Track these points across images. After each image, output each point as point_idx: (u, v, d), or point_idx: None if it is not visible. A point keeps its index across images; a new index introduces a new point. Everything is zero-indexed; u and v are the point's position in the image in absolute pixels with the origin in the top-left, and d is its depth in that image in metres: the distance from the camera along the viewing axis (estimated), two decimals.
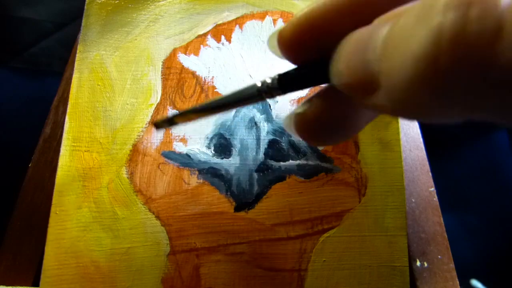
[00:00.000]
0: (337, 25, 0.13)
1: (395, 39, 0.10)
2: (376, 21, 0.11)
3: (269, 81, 0.14)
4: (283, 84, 0.14)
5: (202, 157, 0.27)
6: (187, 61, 0.29)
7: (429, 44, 0.09)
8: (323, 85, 0.15)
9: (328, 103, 0.14)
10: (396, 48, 0.10)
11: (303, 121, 0.15)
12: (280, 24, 0.30)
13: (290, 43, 0.14)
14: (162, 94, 0.28)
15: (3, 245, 0.27)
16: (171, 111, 0.28)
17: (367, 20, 0.12)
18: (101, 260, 0.25)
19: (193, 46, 0.29)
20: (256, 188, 0.26)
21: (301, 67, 0.15)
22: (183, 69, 0.29)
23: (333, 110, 0.14)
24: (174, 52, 0.29)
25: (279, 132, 0.28)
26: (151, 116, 0.27)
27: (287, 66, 0.15)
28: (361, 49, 0.11)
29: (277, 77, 0.14)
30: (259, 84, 0.15)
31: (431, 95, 0.09)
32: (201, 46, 0.29)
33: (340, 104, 0.14)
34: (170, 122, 0.19)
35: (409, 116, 0.11)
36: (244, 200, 0.26)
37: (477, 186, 0.59)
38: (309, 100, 0.15)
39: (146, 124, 0.27)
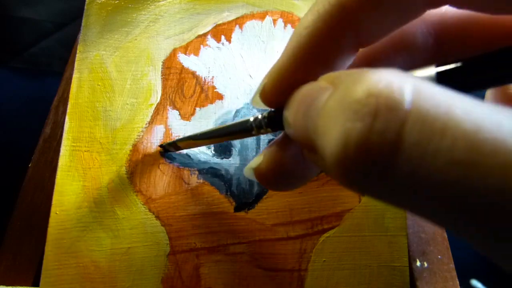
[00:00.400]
0: (301, 78, 0.14)
1: (323, 118, 0.11)
2: (321, 82, 0.13)
3: (260, 117, 0.16)
4: (272, 123, 0.16)
5: (202, 157, 0.27)
6: (187, 61, 0.29)
7: (339, 143, 0.10)
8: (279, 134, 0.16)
9: (279, 156, 0.16)
10: (323, 127, 0.11)
11: (258, 173, 0.16)
12: (280, 24, 0.30)
13: (271, 100, 0.16)
14: (162, 94, 0.28)
15: (3, 245, 0.27)
16: (171, 111, 0.28)
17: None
18: (101, 260, 0.25)
19: (193, 46, 0.29)
20: (256, 188, 0.27)
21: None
22: (183, 69, 0.29)
23: (284, 163, 0.16)
24: (174, 52, 0.29)
25: (279, 132, 0.27)
26: (151, 116, 0.28)
27: None
28: (304, 106, 0.12)
29: (266, 115, 0.16)
30: (251, 119, 0.16)
31: (346, 182, 0.10)
32: (201, 46, 0.29)
33: (292, 155, 0.15)
34: (175, 146, 0.22)
35: (343, 185, 0.12)
36: (244, 200, 0.26)
37: None
38: (263, 153, 0.16)
39: (146, 124, 0.27)
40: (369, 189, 0.10)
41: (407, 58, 0.15)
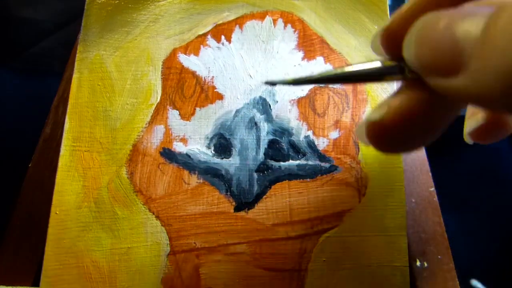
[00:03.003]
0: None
1: (497, 33, 0.10)
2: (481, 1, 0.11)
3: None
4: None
5: (202, 157, 0.27)
6: (187, 61, 0.29)
7: None
8: (396, 86, 0.14)
9: (407, 106, 0.13)
10: (495, 45, 0.09)
11: (379, 128, 0.14)
12: (280, 24, 0.30)
13: (396, 40, 0.14)
14: (162, 94, 0.28)
15: (3, 245, 0.27)
16: (171, 111, 0.28)
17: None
18: (101, 260, 0.25)
19: (193, 46, 0.29)
20: (256, 188, 0.27)
21: None
22: (183, 69, 0.29)
23: (413, 112, 0.13)
24: (174, 52, 0.29)
25: (279, 132, 0.28)
26: (151, 116, 0.28)
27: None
28: (450, 26, 0.11)
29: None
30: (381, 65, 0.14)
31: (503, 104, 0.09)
32: (201, 46, 0.29)
33: (419, 105, 0.13)
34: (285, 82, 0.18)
35: (486, 104, 0.10)
36: (244, 200, 0.26)
37: (477, 186, 0.59)
38: (384, 105, 0.14)
39: (146, 124, 0.27)
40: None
41: None
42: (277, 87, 0.28)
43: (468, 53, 0.10)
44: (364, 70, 0.15)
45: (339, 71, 0.15)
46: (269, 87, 0.28)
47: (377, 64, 0.15)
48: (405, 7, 0.13)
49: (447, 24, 0.11)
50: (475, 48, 0.10)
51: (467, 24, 0.10)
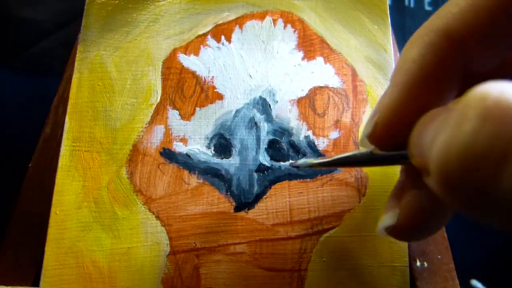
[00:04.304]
0: (414, 113, 0.13)
1: (431, 130, 0.10)
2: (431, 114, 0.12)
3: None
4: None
5: (202, 157, 0.27)
6: (187, 61, 0.29)
7: (442, 149, 0.09)
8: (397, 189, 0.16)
9: (418, 205, 0.15)
10: (431, 139, 0.10)
11: (396, 232, 0.15)
12: (280, 24, 0.30)
13: (384, 140, 0.15)
14: (162, 94, 0.28)
15: (3, 245, 0.27)
16: (171, 111, 0.28)
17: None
18: (101, 260, 0.25)
19: (193, 46, 0.29)
20: (256, 188, 0.27)
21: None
22: (183, 69, 0.29)
23: (425, 211, 0.15)
24: (174, 52, 0.29)
25: (279, 132, 0.28)
26: (151, 116, 0.28)
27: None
28: (420, 134, 0.12)
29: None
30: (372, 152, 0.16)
31: (448, 195, 0.10)
32: (201, 46, 0.29)
33: (427, 201, 0.14)
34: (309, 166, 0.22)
35: (447, 200, 0.11)
36: (244, 200, 0.26)
37: None
38: (396, 208, 0.15)
39: (146, 124, 0.27)
40: (469, 204, 0.09)
41: None
42: (277, 87, 0.28)
43: (427, 159, 0.11)
44: (380, 155, 0.16)
45: (358, 155, 0.18)
46: (269, 87, 0.28)
47: (392, 152, 0.16)
48: (386, 106, 0.14)
49: (417, 133, 0.12)
50: (429, 154, 0.11)
51: (428, 135, 0.11)
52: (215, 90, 0.28)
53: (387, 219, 0.15)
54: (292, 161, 0.25)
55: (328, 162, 0.20)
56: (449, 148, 0.09)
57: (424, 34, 0.13)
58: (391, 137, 0.14)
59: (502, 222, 0.09)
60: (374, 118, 0.15)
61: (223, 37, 0.29)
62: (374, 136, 0.15)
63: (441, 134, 0.10)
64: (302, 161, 0.22)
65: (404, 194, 0.15)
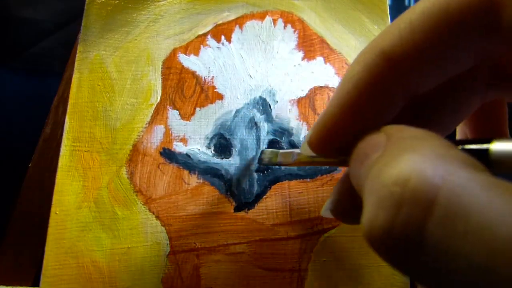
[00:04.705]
0: (349, 128, 0.14)
1: (365, 186, 0.11)
2: (378, 136, 0.13)
3: None
4: None
5: (202, 157, 0.27)
6: (187, 61, 0.29)
7: (367, 223, 0.10)
8: None
9: (343, 198, 0.17)
10: (364, 193, 0.11)
11: (333, 213, 0.17)
12: (280, 24, 0.30)
13: (318, 150, 0.16)
14: (162, 94, 0.28)
15: (3, 245, 0.27)
16: (171, 111, 0.28)
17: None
18: (101, 260, 0.25)
19: (193, 46, 0.29)
20: (256, 188, 0.27)
21: None
22: (183, 69, 0.29)
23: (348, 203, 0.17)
24: (174, 52, 0.29)
25: (279, 132, 0.28)
26: (151, 116, 0.28)
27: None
28: (359, 160, 0.13)
29: None
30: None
31: (377, 253, 0.11)
32: (201, 46, 0.29)
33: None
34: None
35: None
36: (244, 200, 0.26)
37: None
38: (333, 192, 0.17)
39: (146, 124, 0.27)
40: (396, 266, 0.10)
41: (461, 95, 0.15)
42: (277, 87, 0.28)
43: (361, 194, 0.12)
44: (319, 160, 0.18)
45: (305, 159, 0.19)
46: (269, 87, 0.28)
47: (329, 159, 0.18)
48: (321, 121, 0.15)
49: (354, 163, 0.13)
50: (363, 190, 0.12)
51: (365, 165, 0.12)
52: (215, 90, 0.28)
53: (328, 202, 0.17)
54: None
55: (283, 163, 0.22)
56: (371, 227, 0.10)
57: (365, 53, 0.13)
58: (326, 148, 0.15)
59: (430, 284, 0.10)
60: (311, 131, 0.16)
61: (223, 37, 0.29)
62: (310, 145, 0.16)
63: (368, 201, 0.10)
64: (267, 159, 0.24)
65: (342, 181, 0.17)
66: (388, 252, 0.10)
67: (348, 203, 0.16)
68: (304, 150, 0.16)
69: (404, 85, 0.13)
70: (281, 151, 0.22)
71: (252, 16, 0.30)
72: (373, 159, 0.11)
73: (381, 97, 0.13)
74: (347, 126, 0.14)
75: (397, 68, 0.13)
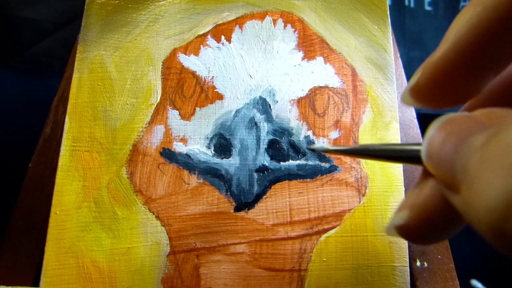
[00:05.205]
0: (460, 77, 0.12)
1: (480, 162, 0.09)
2: (479, 116, 0.11)
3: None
4: None
5: (202, 157, 0.27)
6: (187, 61, 0.29)
7: (501, 200, 0.08)
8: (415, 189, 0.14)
9: (429, 205, 0.14)
10: (477, 171, 0.09)
11: (406, 231, 0.14)
12: (280, 24, 0.30)
13: (423, 98, 0.14)
14: (162, 94, 0.28)
15: (3, 245, 0.27)
16: (171, 111, 0.28)
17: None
18: (101, 260, 0.25)
19: (193, 46, 0.29)
20: (256, 188, 0.26)
21: None
22: (183, 69, 0.29)
23: (435, 214, 0.13)
24: (174, 52, 0.29)
25: (279, 132, 0.28)
26: (151, 116, 0.28)
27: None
28: (455, 139, 0.11)
29: None
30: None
31: (497, 242, 0.09)
32: (201, 46, 0.29)
33: (439, 205, 0.13)
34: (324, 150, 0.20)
35: (490, 241, 0.10)
36: (244, 200, 0.26)
37: None
38: (405, 206, 0.14)
39: (146, 124, 0.27)
40: None
41: None
42: (277, 87, 0.28)
43: (460, 178, 0.10)
44: (404, 150, 0.15)
45: (377, 147, 0.16)
46: (269, 87, 0.28)
47: (416, 147, 0.14)
48: (433, 62, 0.13)
49: (449, 146, 0.11)
50: (466, 178, 0.10)
51: (462, 154, 0.10)
52: (215, 90, 0.28)
53: (398, 217, 0.14)
54: (309, 145, 0.25)
55: (343, 150, 0.19)
56: (509, 200, 0.08)
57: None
58: (432, 93, 0.13)
59: None
60: (419, 71, 0.14)
61: (223, 37, 0.29)
62: (416, 89, 0.14)
63: (495, 176, 0.09)
64: (319, 145, 0.22)
65: (418, 194, 0.14)
66: None
67: (435, 215, 0.14)
68: (406, 99, 0.15)
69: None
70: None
71: (252, 16, 0.30)
72: (483, 137, 0.10)
73: (501, 37, 0.12)
74: (460, 68, 0.12)
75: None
